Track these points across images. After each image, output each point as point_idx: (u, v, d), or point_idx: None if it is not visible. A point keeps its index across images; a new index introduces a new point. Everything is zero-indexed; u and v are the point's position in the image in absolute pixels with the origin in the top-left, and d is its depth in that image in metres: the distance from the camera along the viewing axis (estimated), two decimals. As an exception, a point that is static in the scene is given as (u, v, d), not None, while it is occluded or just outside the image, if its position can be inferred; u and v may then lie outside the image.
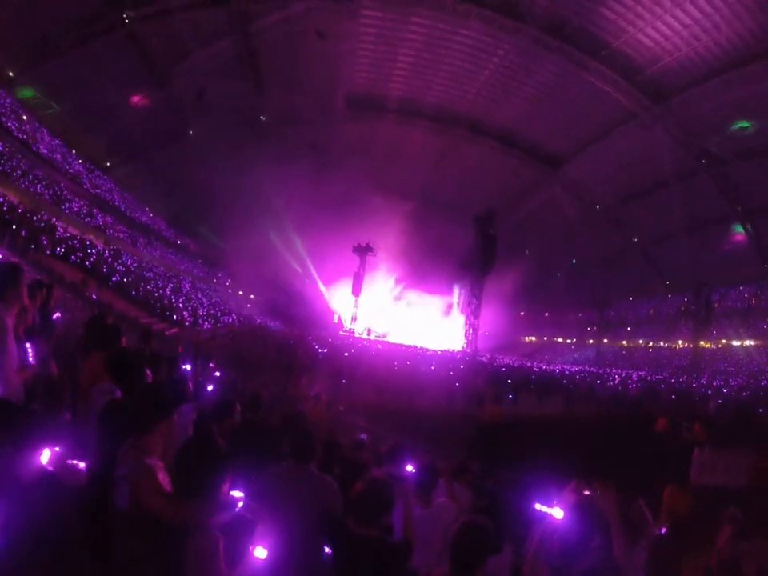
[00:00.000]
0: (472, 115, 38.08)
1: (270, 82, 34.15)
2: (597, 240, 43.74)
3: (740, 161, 33.35)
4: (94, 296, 16.17)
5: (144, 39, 29.25)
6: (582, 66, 31.15)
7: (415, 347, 35.25)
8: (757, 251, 38.42)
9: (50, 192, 24.68)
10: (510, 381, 23.37)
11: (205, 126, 35.77)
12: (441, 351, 35.58)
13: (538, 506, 2.66)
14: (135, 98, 31.46)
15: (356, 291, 41.21)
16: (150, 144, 35.97)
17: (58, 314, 4.31)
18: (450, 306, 45.55)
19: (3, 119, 24.76)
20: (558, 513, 2.54)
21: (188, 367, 4.44)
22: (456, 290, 44.34)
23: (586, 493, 3.32)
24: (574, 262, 45.60)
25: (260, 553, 2.10)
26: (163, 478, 2.15)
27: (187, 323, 21.79)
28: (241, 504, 2.23)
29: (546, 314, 52.17)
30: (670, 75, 30.47)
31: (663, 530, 3.59)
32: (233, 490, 2.23)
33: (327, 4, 28.97)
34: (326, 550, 2.68)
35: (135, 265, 26.08)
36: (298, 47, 31.14)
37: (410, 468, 3.25)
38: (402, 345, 35.80)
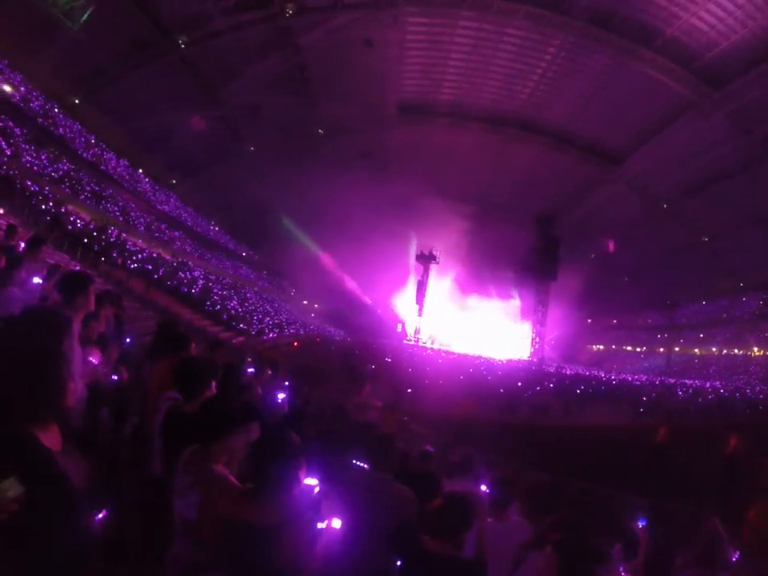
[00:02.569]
0: (525, 114, 37.34)
1: (321, 93, 34.83)
2: (662, 238, 41.48)
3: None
4: (161, 306, 16.87)
5: (195, 61, 30.65)
6: (634, 56, 29.95)
7: (480, 357, 34.64)
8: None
9: (119, 209, 26.20)
10: (577, 391, 22.53)
11: (260, 141, 36.98)
12: (506, 361, 34.74)
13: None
14: (192, 118, 32.87)
15: (419, 299, 41.03)
16: (209, 161, 37.65)
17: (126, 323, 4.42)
18: (516, 313, 44.39)
19: (72, 143, 26.53)
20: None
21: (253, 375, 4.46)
22: (515, 295, 43.26)
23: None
24: (638, 262, 43.28)
25: (336, 523, 2.21)
26: (235, 484, 2.18)
27: (253, 332, 22.37)
28: (317, 490, 2.27)
29: (614, 321, 49.90)
30: (728, 59, 28.67)
31: (737, 554, 3.20)
32: (308, 477, 2.29)
33: (370, 13, 29.30)
34: (397, 562, 2.59)
35: (202, 276, 27.15)
36: (345, 58, 31.68)
37: (483, 488, 3.17)
38: (466, 354, 35.28)
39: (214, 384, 2.84)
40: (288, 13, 28.33)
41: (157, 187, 35.76)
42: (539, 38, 30.86)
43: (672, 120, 33.73)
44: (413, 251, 40.99)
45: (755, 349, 38.86)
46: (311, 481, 2.27)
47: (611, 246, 41.02)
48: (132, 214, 27.52)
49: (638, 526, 3.53)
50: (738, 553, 3.25)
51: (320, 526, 2.21)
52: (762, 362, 36.89)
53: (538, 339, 34.25)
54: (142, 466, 2.85)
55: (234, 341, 18.84)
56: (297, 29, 29.97)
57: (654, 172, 37.95)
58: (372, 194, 36.06)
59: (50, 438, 1.18)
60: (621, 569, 3.15)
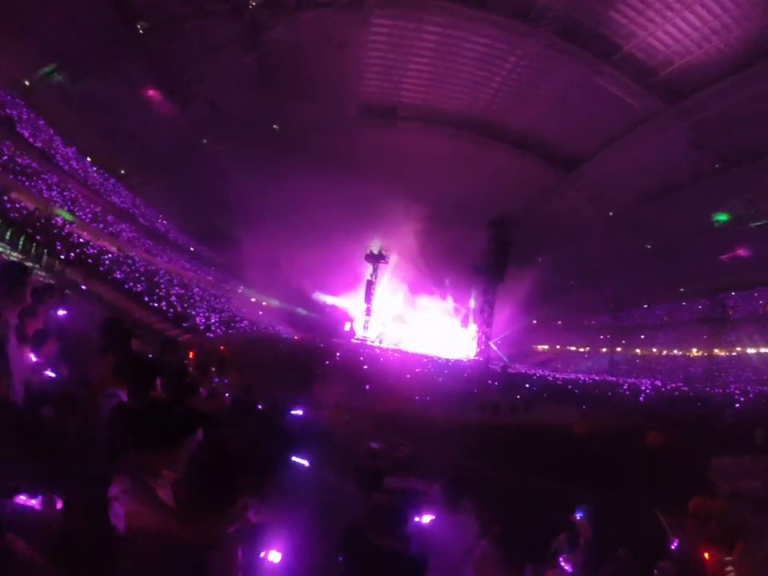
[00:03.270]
0: (487, 120, 37.97)
1: (284, 91, 34.32)
2: (612, 244, 43.30)
3: (755, 161, 33.02)
4: (106, 301, 16.28)
5: (157, 50, 29.68)
6: (595, 69, 31.10)
7: (428, 356, 35.10)
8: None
9: (65, 199, 25.02)
10: (523, 390, 23.25)
11: (218, 135, 36.12)
12: (453, 360, 35.38)
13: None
14: (149, 106, 31.76)
15: (368, 299, 41.20)
16: (164, 153, 36.40)
17: (63, 314, 4.26)
18: (465, 314, 45.28)
19: (20, 128, 25.19)
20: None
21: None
22: (473, 297, 44.19)
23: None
24: (587, 266, 45.14)
25: (274, 557, 2.08)
26: (166, 495, 2.03)
27: (200, 329, 21.87)
28: (251, 509, 2.16)
29: (560, 322, 51.81)
30: (683, 77, 30.35)
31: (676, 543, 3.53)
32: (244, 495, 2.15)
33: (338, 13, 29.15)
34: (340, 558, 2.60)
35: (149, 271, 26.30)
36: (311, 56, 31.35)
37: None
38: (415, 353, 35.64)
39: (159, 382, 2.79)
40: (252, 4, 27.81)
41: (106, 177, 34.32)
42: (504, 45, 31.43)
43: (628, 132, 35.18)
44: (364, 250, 41.12)
45: (694, 350, 41.23)
46: (248, 500, 2.17)
47: None
48: (79, 204, 26.33)
49: (577, 518, 3.72)
50: (677, 540, 3.50)
51: (261, 555, 2.10)
52: (701, 362, 39.17)
53: (483, 339, 35.04)
54: (86, 466, 2.77)
55: (180, 338, 18.32)
56: (262, 24, 29.46)
57: (608, 180, 39.47)
58: (329, 193, 35.88)
59: None
60: (562, 558, 3.30)
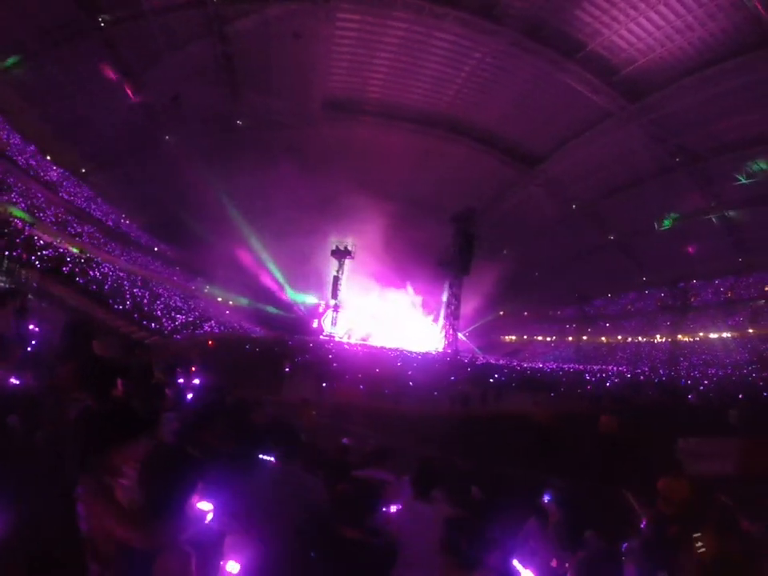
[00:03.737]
0: (451, 116, 38.26)
1: (247, 85, 33.81)
2: (575, 237, 44.42)
3: (715, 156, 34.29)
4: (70, 305, 15.84)
5: (118, 44, 28.77)
6: (559, 67, 31.56)
7: (397, 350, 35.32)
8: (732, 245, 39.47)
9: (25, 200, 24.12)
10: (492, 380, 23.60)
11: (181, 132, 35.25)
12: (422, 353, 35.69)
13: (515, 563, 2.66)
14: (110, 102, 30.77)
15: (335, 294, 41.09)
16: (125, 150, 35.39)
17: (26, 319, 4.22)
18: (434, 307, 45.64)
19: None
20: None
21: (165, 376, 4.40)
22: (445, 291, 44.66)
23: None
24: (552, 259, 46.20)
25: (232, 567, 2.03)
26: (123, 497, 2.00)
27: (167, 331, 21.47)
28: (210, 516, 2.09)
29: (526, 313, 52.88)
30: (645, 75, 31.08)
31: (645, 521, 3.62)
32: (202, 500, 2.10)
33: (304, 6, 28.85)
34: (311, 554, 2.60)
35: (113, 273, 25.64)
36: (275, 50, 30.92)
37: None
38: (383, 348, 35.77)
39: (120, 382, 2.77)
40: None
41: (66, 176, 33.14)
42: (468, 43, 31.64)
43: (590, 128, 36.00)
44: (331, 246, 40.97)
45: (658, 337, 42.73)
46: (205, 506, 2.10)
47: None
48: (39, 205, 25.42)
49: (545, 501, 3.87)
50: (646, 520, 3.66)
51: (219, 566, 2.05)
52: (665, 348, 40.60)
53: (451, 331, 35.42)
54: (56, 473, 2.75)
55: (147, 341, 17.96)
56: (228, 17, 28.90)
57: (571, 175, 40.45)
58: (295, 189, 35.60)
59: None
60: (532, 541, 3.38)
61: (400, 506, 2.97)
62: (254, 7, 28.64)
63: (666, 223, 40.53)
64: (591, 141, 36.59)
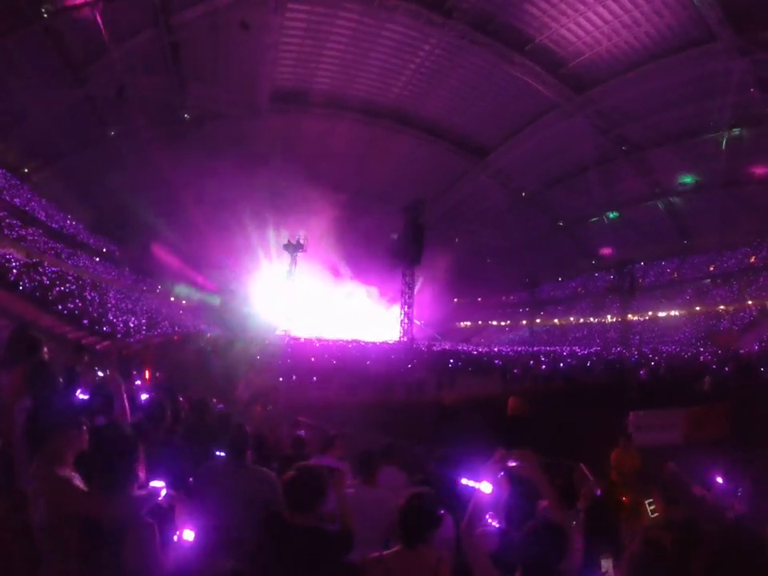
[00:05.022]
0: (399, 107, 38.48)
1: (192, 76, 32.84)
2: (524, 224, 45.70)
3: (655, 146, 35.93)
4: (15, 312, 15.21)
5: (60, 34, 27.35)
6: (507, 59, 32.16)
7: (353, 341, 35.40)
8: (675, 228, 41.61)
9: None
10: (448, 366, 23.91)
11: (125, 126, 33.92)
12: (379, 343, 35.88)
13: (464, 481, 2.75)
14: (51, 96, 29.19)
15: (288, 288, 40.64)
16: (68, 147, 33.70)
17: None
18: (389, 297, 45.78)
19: None
20: (485, 487, 2.65)
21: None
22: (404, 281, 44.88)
23: (511, 464, 3.59)
24: (502, 246, 47.38)
25: (188, 535, 2.18)
26: (79, 484, 2.14)
27: (119, 335, 20.87)
28: (164, 492, 2.25)
29: (479, 299, 54.04)
30: (591, 68, 32.15)
31: (599, 491, 3.77)
32: (153, 480, 2.26)
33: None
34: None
35: (59, 277, 24.61)
36: (221, 40, 30.15)
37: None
38: (340, 340, 35.75)
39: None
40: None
41: (8, 177, 31.41)
42: (418, 35, 31.85)
43: (537, 118, 37.01)
44: (284, 240, 40.55)
45: (609, 317, 44.61)
46: (157, 483, 2.24)
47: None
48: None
49: (499, 476, 4.04)
50: (600, 490, 3.90)
51: (174, 538, 2.19)
52: (616, 328, 42.43)
53: (406, 320, 35.80)
54: (9, 483, 2.70)
55: (98, 345, 17.40)
56: (174, 6, 27.89)
57: (518, 165, 41.50)
58: (243, 182, 34.84)
59: None
60: (488, 515, 3.46)
61: (350, 491, 3.01)
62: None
63: (612, 211, 42.34)
64: (538, 132, 37.61)
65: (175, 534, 2.20)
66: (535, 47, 31.46)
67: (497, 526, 2.66)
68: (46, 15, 25.76)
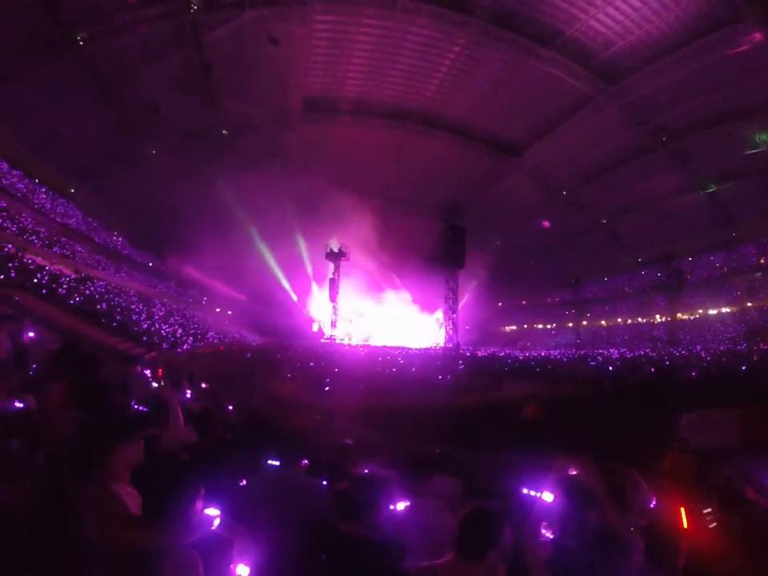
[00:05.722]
0: (428, 110, 38.23)
1: (224, 93, 33.63)
2: (563, 222, 44.57)
3: (693, 134, 34.46)
4: (65, 326, 15.80)
5: (93, 60, 28.58)
6: (535, 55, 31.60)
7: (398, 348, 35.19)
8: (721, 219, 39.68)
9: (15, 223, 24.03)
10: (493, 371, 23.57)
11: (162, 144, 35.10)
12: (424, 349, 35.59)
13: (525, 491, 2.74)
14: (88, 118, 30.53)
15: (333, 297, 40.99)
16: (109, 166, 35.13)
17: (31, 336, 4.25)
18: (432, 302, 45.60)
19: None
20: (547, 496, 2.60)
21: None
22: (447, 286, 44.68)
23: (571, 472, 3.43)
24: (542, 246, 46.34)
25: (242, 570, 2.08)
26: (132, 503, 2.10)
27: (165, 345, 21.43)
28: (217, 522, 2.16)
29: (523, 302, 52.95)
30: (623, 57, 31.22)
31: (653, 500, 3.58)
32: (208, 507, 2.16)
33: (278, 10, 28.79)
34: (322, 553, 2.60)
35: (107, 291, 25.55)
36: (250, 56, 30.74)
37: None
38: (384, 347, 35.68)
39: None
40: (193, 7, 27.12)
41: (55, 197, 33.02)
42: (442, 36, 31.67)
43: (570, 113, 36.11)
44: (324, 249, 40.87)
45: (657, 316, 42.88)
46: (212, 511, 2.17)
47: (546, 224, 43.48)
48: (29, 228, 25.32)
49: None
50: (655, 499, 3.69)
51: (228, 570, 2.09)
52: (665, 327, 40.75)
53: (451, 325, 35.32)
54: (59, 493, 2.78)
55: (146, 356, 17.92)
56: (202, 25, 28.72)
57: (552, 161, 40.57)
58: (279, 193, 35.51)
59: None
60: (542, 526, 3.34)
61: (408, 503, 2.97)
62: (229, 14, 28.49)
63: (652, 203, 40.74)
64: (572, 126, 36.72)
65: (230, 566, 2.10)
66: (565, 40, 30.80)
67: (550, 535, 2.60)
68: (82, 43, 26.97)
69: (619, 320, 46.60)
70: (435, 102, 37.64)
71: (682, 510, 3.61)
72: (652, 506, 3.47)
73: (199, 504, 2.10)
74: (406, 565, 2.47)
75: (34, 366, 4.52)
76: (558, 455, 3.89)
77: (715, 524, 2.94)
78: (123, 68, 29.50)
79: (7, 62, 26.00)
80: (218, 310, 41.37)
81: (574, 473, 3.58)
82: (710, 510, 3.06)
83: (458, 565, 2.25)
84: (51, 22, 25.81)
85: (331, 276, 40.87)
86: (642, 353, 32.44)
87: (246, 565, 2.10)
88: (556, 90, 33.92)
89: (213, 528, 2.12)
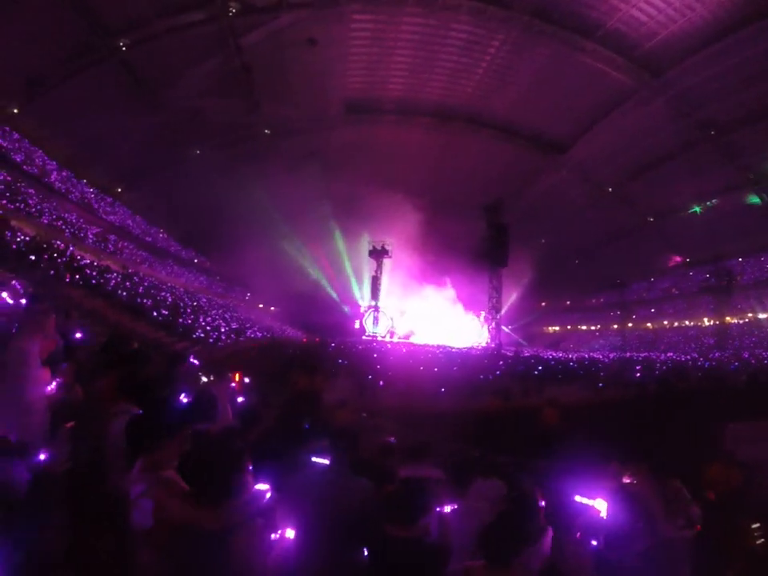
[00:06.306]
0: (470, 108, 38.01)
1: (265, 95, 34.30)
2: (608, 221, 43.28)
3: (743, 127, 32.78)
4: (112, 320, 16.37)
5: (135, 65, 29.73)
6: (577, 48, 31.01)
7: (440, 346, 34.89)
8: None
9: (65, 222, 25.16)
10: (536, 372, 23.11)
11: (205, 145, 36.17)
12: (466, 348, 35.25)
13: (578, 498, 2.64)
14: (132, 120, 31.68)
15: (375, 294, 41.33)
16: (153, 168, 36.51)
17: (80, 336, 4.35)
18: (474, 301, 45.17)
19: (12, 154, 25.31)
20: (600, 505, 2.51)
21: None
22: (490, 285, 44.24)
23: (626, 480, 3.27)
24: (586, 244, 45.12)
25: (290, 533, 2.22)
26: (185, 488, 2.15)
27: (210, 340, 21.93)
28: (268, 495, 2.23)
29: (567, 302, 51.70)
30: (667, 48, 30.19)
31: (698, 511, 3.48)
32: (257, 483, 2.24)
33: (315, 12, 29.06)
34: (363, 551, 2.61)
35: (153, 286, 26.37)
36: (290, 57, 31.23)
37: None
38: (426, 345, 35.52)
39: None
40: (231, 11, 27.74)
41: (102, 197, 34.48)
42: (483, 32, 31.44)
43: (613, 107, 35.16)
44: (366, 247, 41.09)
45: (705, 320, 41.07)
46: (262, 486, 2.23)
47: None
48: (78, 226, 26.47)
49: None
50: (700, 512, 3.50)
51: (274, 536, 2.18)
52: (713, 331, 38.98)
53: (494, 325, 34.88)
54: (104, 482, 2.77)
55: (191, 350, 18.38)
56: (240, 29, 29.38)
57: (597, 158, 39.51)
58: (321, 192, 36.08)
59: None
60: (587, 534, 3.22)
61: (455, 506, 2.93)
62: (266, 17, 29.00)
63: (701, 201, 38.92)
64: (616, 121, 35.74)
65: (275, 533, 2.21)
66: (606, 32, 30.03)
67: (594, 543, 2.51)
68: (124, 48, 27.96)
69: (665, 323, 44.90)
70: (478, 100, 37.33)
71: (726, 523, 3.43)
72: (696, 518, 3.37)
73: (250, 479, 2.17)
74: (451, 568, 2.43)
75: (82, 357, 4.64)
76: (612, 462, 3.74)
77: (763, 540, 2.88)
78: (164, 72, 30.54)
79: (54, 69, 27.34)
80: (260, 306, 42.24)
81: (629, 481, 3.46)
82: (758, 525, 2.99)
83: (488, 569, 2.17)
84: (93, 29, 26.95)
85: (374, 274, 41.19)
86: (689, 357, 31.15)
87: (291, 528, 2.23)
88: (599, 83, 33.12)
89: (266, 500, 2.20)
